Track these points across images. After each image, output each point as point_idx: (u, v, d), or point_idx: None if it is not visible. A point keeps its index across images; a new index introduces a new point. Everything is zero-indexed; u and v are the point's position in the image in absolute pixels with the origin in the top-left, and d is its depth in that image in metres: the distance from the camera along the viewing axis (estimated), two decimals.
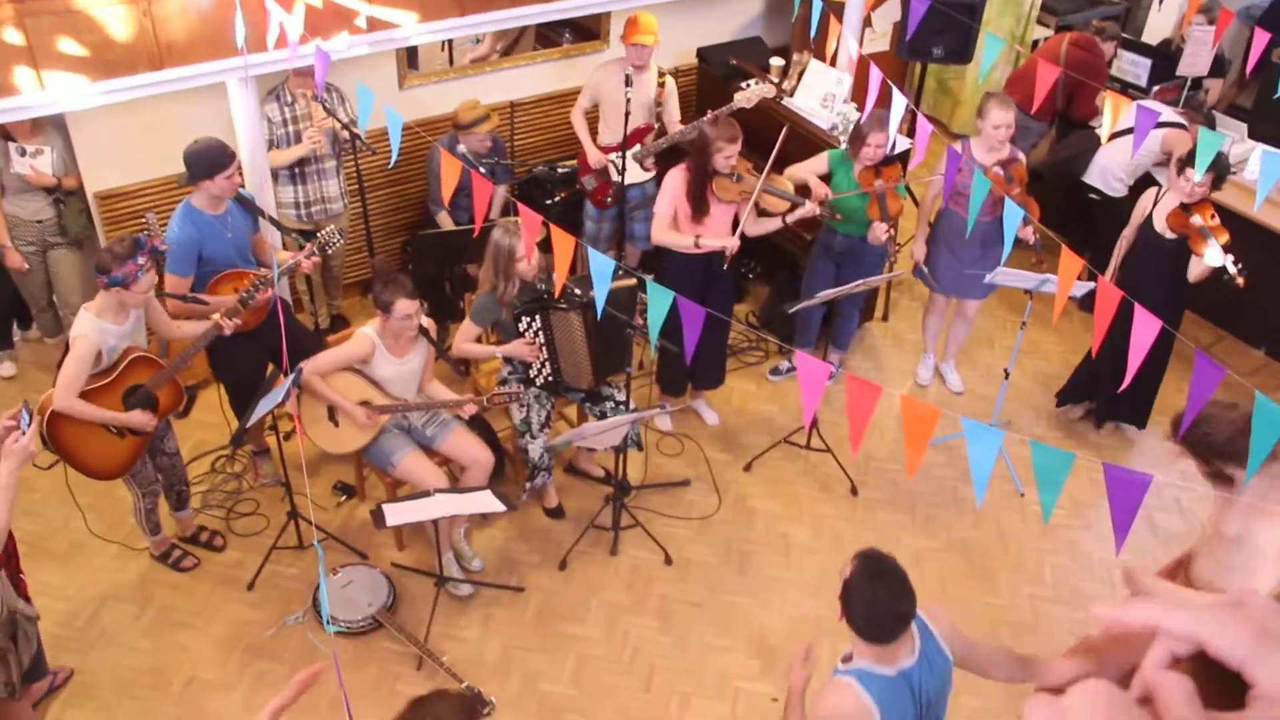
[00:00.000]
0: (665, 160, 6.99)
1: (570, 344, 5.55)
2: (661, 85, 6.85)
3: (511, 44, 7.41)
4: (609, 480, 6.10)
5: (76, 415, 4.81)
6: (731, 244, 5.86)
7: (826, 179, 6.26)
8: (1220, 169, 5.80)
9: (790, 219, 5.99)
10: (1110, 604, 0.86)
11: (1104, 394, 6.63)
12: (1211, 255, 5.73)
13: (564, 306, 5.45)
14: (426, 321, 5.38)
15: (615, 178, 6.87)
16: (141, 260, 4.64)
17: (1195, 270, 5.88)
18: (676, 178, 5.88)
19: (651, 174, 7.03)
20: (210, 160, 5.13)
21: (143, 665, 5.21)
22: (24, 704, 4.52)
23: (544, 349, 5.56)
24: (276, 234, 5.94)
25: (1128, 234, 6.28)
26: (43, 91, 4.84)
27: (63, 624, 5.35)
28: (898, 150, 6.55)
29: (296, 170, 6.33)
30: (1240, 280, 5.74)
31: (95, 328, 4.74)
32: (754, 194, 5.82)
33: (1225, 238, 5.80)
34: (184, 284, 5.30)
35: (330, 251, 5.64)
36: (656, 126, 6.98)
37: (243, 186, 5.45)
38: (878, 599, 3.17)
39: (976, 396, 7.09)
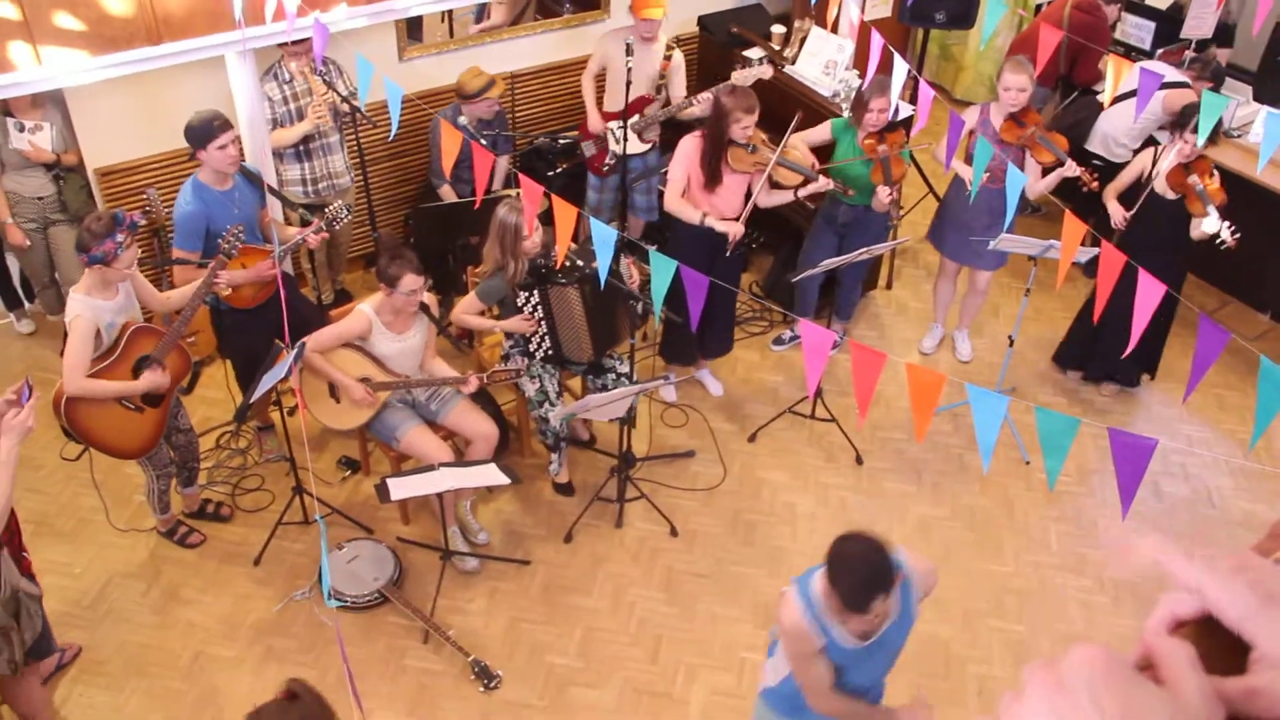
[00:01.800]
0: (667, 133, 6.96)
1: (569, 319, 5.53)
2: (668, 58, 6.79)
3: (519, 13, 7.36)
4: (596, 447, 6.10)
5: (89, 394, 4.80)
6: (736, 230, 5.83)
7: (831, 147, 6.23)
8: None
9: (803, 194, 5.97)
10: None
11: (1103, 355, 6.63)
12: (1209, 223, 5.77)
13: (563, 281, 5.43)
14: (428, 297, 5.36)
15: (613, 146, 6.83)
16: (121, 237, 4.62)
17: (1195, 231, 5.88)
18: (690, 144, 5.85)
19: (650, 145, 6.99)
20: (201, 130, 5.12)
21: (150, 641, 5.23)
22: (34, 680, 4.54)
23: (542, 323, 5.54)
24: (278, 209, 5.92)
25: (1119, 187, 6.27)
26: (40, 67, 4.82)
27: (70, 601, 5.36)
28: (900, 117, 6.51)
29: (302, 147, 6.30)
30: (1232, 243, 5.76)
31: (88, 306, 4.73)
32: (769, 166, 5.79)
33: (1220, 199, 5.81)
34: (192, 258, 5.29)
35: (338, 227, 5.61)
36: (659, 99, 6.93)
37: (244, 160, 5.42)
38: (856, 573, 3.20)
39: (981, 364, 7.07)
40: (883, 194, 6.01)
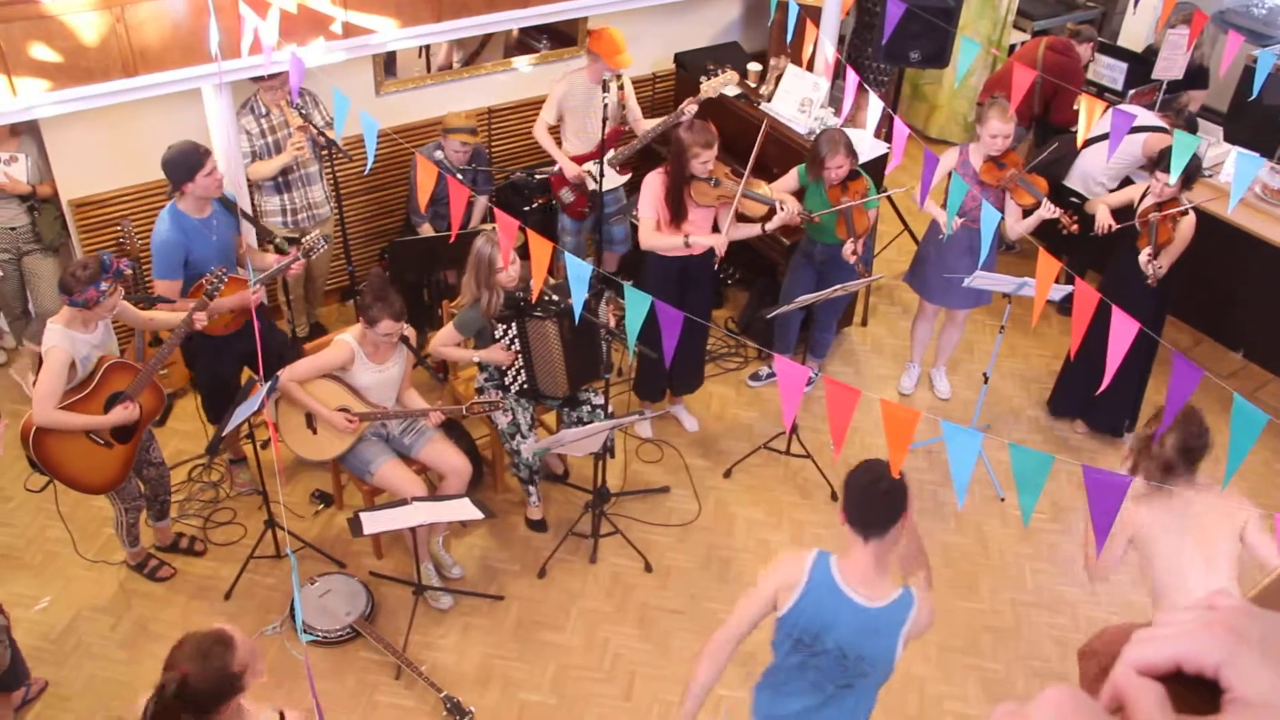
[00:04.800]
0: (640, 161, 6.98)
1: (546, 353, 5.52)
2: (621, 88, 6.84)
3: (473, 54, 7.37)
4: (570, 481, 6.08)
5: (58, 426, 4.75)
6: (721, 242, 5.84)
7: (799, 195, 6.24)
8: (1190, 170, 5.81)
9: (769, 227, 5.98)
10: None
11: (1081, 395, 6.67)
12: (1141, 258, 5.94)
13: (540, 314, 5.42)
14: (407, 330, 5.35)
15: (593, 186, 6.85)
16: (105, 286, 4.60)
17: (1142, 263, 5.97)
18: (655, 181, 5.86)
19: (627, 176, 7.02)
20: (187, 162, 5.11)
21: (119, 676, 5.16)
22: (5, 713, 4.48)
23: (519, 356, 5.53)
24: (253, 236, 5.91)
25: (1110, 202, 6.34)
26: (15, 98, 4.81)
27: (37, 635, 5.29)
28: (873, 155, 6.55)
29: (281, 179, 6.28)
30: (1151, 281, 5.90)
31: (65, 338, 4.70)
32: (734, 199, 5.80)
33: (1165, 237, 5.91)
34: (174, 287, 5.27)
35: (314, 257, 5.60)
36: (625, 129, 6.97)
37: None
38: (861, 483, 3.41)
39: (956, 401, 7.09)
40: (846, 250, 6.01)
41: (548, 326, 5.44)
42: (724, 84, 6.65)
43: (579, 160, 6.88)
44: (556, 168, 6.92)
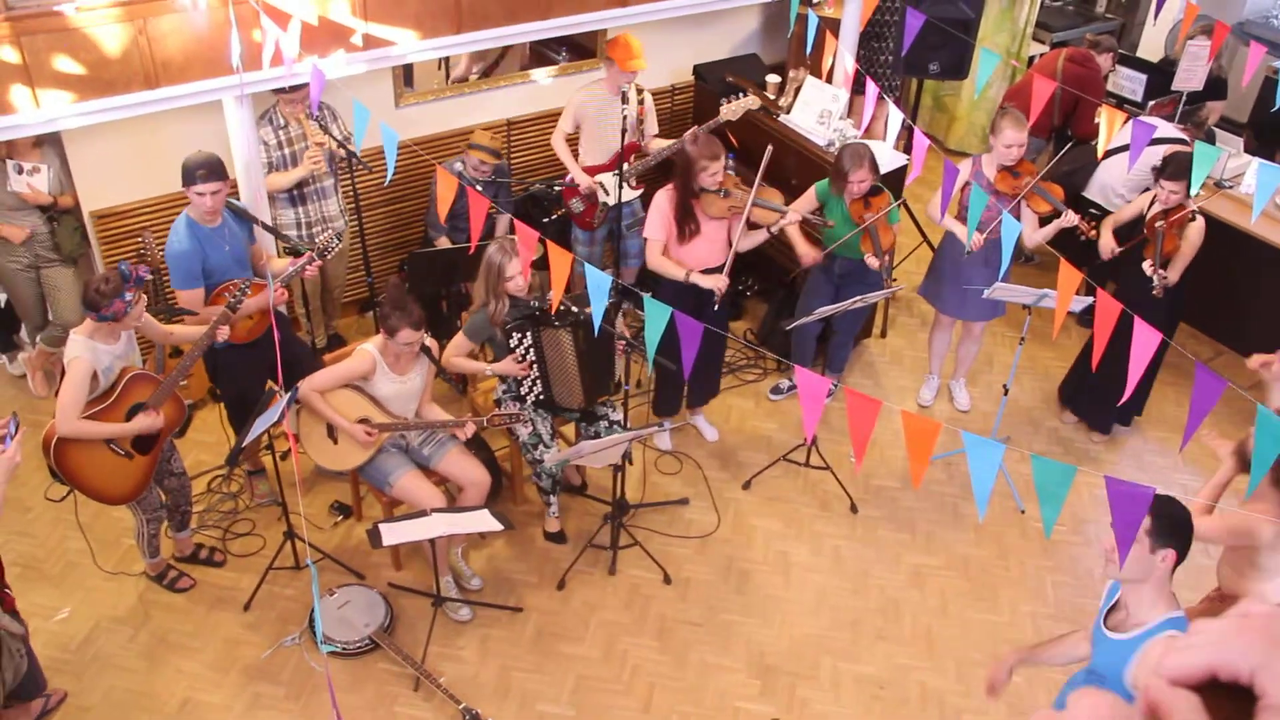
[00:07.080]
0: (655, 175, 6.99)
1: (561, 363, 5.51)
2: (641, 102, 6.85)
3: (492, 65, 7.38)
4: (589, 493, 6.07)
5: (81, 436, 4.77)
6: (720, 284, 5.83)
7: (818, 213, 6.22)
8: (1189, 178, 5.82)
9: (774, 229, 5.95)
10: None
11: (1098, 402, 6.65)
12: (1145, 266, 5.95)
13: (556, 324, 5.42)
14: (430, 342, 5.35)
15: (603, 198, 6.85)
16: (129, 295, 4.62)
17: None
18: (663, 200, 5.85)
19: (640, 190, 7.02)
20: (187, 171, 5.14)
21: (138, 687, 5.17)
22: None
23: (534, 367, 5.52)
24: (271, 243, 5.92)
25: (1117, 220, 6.37)
26: (39, 109, 4.83)
27: (57, 645, 5.30)
28: (893, 167, 6.53)
29: (296, 192, 6.29)
30: (1156, 291, 5.87)
31: (89, 349, 4.72)
32: (745, 210, 5.79)
33: (1171, 247, 5.92)
34: (196, 296, 5.27)
35: (329, 256, 5.57)
36: (642, 143, 6.98)
37: (235, 198, 5.41)
38: None
39: (976, 413, 7.06)
40: (872, 263, 6.00)
41: (563, 336, 5.43)
42: (744, 107, 6.63)
43: (592, 171, 6.88)
44: (569, 178, 6.93)
